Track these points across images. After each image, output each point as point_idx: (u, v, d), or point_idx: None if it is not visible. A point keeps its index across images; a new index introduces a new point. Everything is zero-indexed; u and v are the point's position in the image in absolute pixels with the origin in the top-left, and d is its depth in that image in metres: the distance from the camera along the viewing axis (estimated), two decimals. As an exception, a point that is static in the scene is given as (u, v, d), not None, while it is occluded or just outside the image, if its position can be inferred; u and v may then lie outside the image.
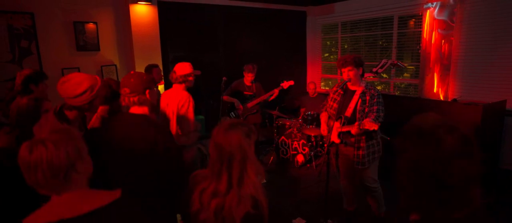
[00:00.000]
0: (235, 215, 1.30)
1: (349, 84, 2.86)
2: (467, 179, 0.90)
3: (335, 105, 2.94)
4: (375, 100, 2.73)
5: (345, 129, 2.76)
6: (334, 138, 2.85)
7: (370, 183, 2.93)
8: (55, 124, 1.79)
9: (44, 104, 2.20)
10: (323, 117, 3.06)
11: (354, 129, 2.59)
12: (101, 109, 2.22)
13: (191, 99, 2.76)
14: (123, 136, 1.76)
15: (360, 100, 2.79)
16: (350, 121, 2.80)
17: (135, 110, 1.84)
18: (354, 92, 2.84)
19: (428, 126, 0.93)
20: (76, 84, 1.76)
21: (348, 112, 2.83)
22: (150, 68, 3.91)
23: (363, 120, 2.65)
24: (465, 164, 0.89)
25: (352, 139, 2.81)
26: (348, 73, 2.77)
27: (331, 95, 3.02)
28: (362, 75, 2.83)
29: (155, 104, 1.97)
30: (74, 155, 1.03)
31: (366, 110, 2.74)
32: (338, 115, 2.87)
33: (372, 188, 2.95)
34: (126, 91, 1.80)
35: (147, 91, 1.83)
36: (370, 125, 2.44)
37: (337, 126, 2.85)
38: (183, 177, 1.65)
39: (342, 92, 2.90)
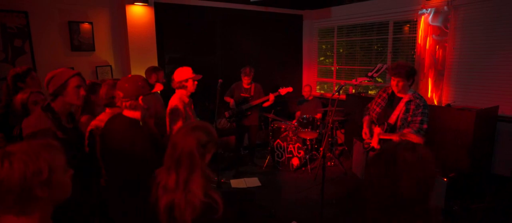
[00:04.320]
0: (186, 218, 1.33)
1: (396, 91, 2.82)
2: (424, 192, 1.04)
3: (378, 110, 2.92)
4: (419, 110, 2.66)
5: (386, 136, 2.73)
6: (375, 144, 2.82)
7: None
8: (40, 117, 1.83)
9: (31, 96, 2.23)
10: (366, 121, 3.02)
11: (395, 137, 2.56)
12: (107, 109, 2.24)
13: (179, 108, 2.75)
14: (112, 137, 1.84)
15: (404, 108, 2.75)
16: (392, 128, 2.77)
17: (127, 113, 1.89)
18: (400, 99, 2.80)
19: (389, 148, 1.09)
20: (52, 72, 1.90)
21: (392, 119, 2.80)
22: (157, 70, 3.84)
23: (403, 128, 2.64)
24: (419, 176, 1.01)
25: None
26: (397, 83, 2.72)
27: (376, 99, 3.01)
28: (411, 85, 2.77)
29: (151, 108, 1.97)
30: (34, 179, 0.91)
31: (409, 119, 2.70)
32: (381, 121, 2.85)
33: None
34: (120, 95, 1.86)
35: (140, 98, 1.84)
36: (413, 137, 2.38)
37: (378, 132, 2.82)
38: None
39: (386, 97, 2.89)
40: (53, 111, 1.89)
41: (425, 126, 2.63)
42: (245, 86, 4.62)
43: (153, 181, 1.47)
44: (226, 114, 4.61)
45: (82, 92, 1.97)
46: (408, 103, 2.74)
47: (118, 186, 1.78)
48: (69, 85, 1.91)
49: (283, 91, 4.55)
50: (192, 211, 1.33)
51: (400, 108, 2.78)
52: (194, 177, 1.36)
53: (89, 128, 2.15)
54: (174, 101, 2.80)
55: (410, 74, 2.69)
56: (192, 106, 3.00)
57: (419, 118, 2.64)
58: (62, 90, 1.89)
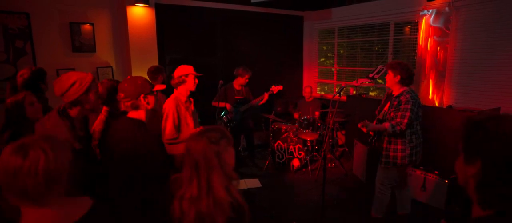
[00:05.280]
0: (216, 221, 1.31)
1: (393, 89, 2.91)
2: None
3: (378, 107, 3.02)
4: (401, 106, 2.69)
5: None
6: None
7: (378, 182, 2.97)
8: (57, 121, 1.80)
9: (27, 98, 2.19)
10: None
11: (359, 124, 2.71)
12: (104, 110, 2.21)
13: (171, 108, 2.66)
14: (116, 139, 1.82)
15: (390, 104, 2.83)
16: (380, 122, 2.88)
17: (132, 114, 1.86)
18: (391, 96, 2.88)
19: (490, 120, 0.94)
20: (65, 79, 1.80)
21: (381, 114, 2.90)
22: (159, 70, 3.83)
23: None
24: None
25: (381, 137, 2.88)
26: (387, 76, 2.83)
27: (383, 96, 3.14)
28: (403, 82, 2.77)
29: (154, 108, 1.95)
30: (67, 165, 0.99)
31: (392, 115, 2.75)
32: (378, 116, 2.98)
33: (375, 186, 2.97)
34: (121, 96, 1.85)
35: (141, 96, 1.83)
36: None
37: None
38: (161, 181, 1.71)
39: (386, 95, 3.01)
40: (71, 119, 1.84)
41: (405, 120, 2.64)
42: (237, 88, 4.60)
43: (167, 191, 1.43)
44: (225, 119, 4.55)
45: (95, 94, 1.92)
46: (393, 99, 2.80)
47: (125, 186, 1.78)
48: (90, 92, 1.84)
49: (275, 89, 4.60)
50: (222, 213, 1.32)
51: (388, 104, 2.86)
52: (214, 177, 1.34)
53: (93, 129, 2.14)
54: (168, 101, 2.74)
55: (397, 68, 2.74)
56: (192, 107, 2.92)
57: (400, 113, 2.68)
58: (85, 98, 1.83)
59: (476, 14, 4.12)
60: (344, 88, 3.06)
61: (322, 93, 6.63)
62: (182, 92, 2.78)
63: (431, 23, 4.45)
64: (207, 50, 5.40)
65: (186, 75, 2.73)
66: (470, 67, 4.25)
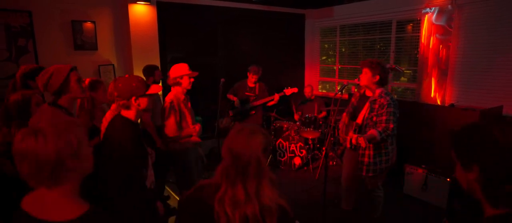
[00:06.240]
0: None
1: (366, 89, 2.80)
2: None
3: (350, 109, 2.91)
4: (384, 109, 2.57)
5: (353, 141, 2.73)
6: (347, 143, 2.77)
7: (371, 187, 2.93)
8: (55, 114, 1.86)
9: (33, 98, 2.22)
10: (343, 118, 2.98)
11: (359, 141, 2.50)
12: (113, 106, 2.25)
13: (172, 105, 2.72)
14: (107, 136, 1.89)
15: (369, 108, 2.71)
16: (361, 128, 2.76)
17: (124, 112, 1.93)
18: (367, 98, 2.78)
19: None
20: (44, 73, 1.90)
21: (359, 119, 2.78)
22: (152, 69, 3.87)
23: (369, 129, 2.62)
24: None
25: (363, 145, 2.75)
26: (363, 75, 2.71)
27: (352, 98, 3.00)
28: (380, 83, 2.68)
29: (147, 108, 1.96)
30: (66, 151, 0.98)
31: (374, 119, 2.64)
32: (351, 121, 2.85)
33: (372, 192, 2.95)
34: (114, 94, 1.87)
35: (132, 98, 1.86)
36: (362, 141, 2.41)
37: (351, 135, 2.79)
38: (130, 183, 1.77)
39: (358, 96, 2.89)
40: (63, 108, 1.92)
41: (391, 125, 2.53)
42: (250, 85, 4.59)
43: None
44: (230, 113, 4.57)
45: (84, 84, 2.00)
46: (372, 102, 2.68)
47: (113, 184, 1.80)
48: (71, 81, 1.93)
49: (288, 91, 4.53)
50: (271, 217, 1.25)
51: (365, 108, 2.74)
52: (264, 183, 1.27)
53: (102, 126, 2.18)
54: (168, 98, 2.79)
55: (375, 67, 2.63)
56: (189, 104, 2.98)
57: (384, 118, 2.56)
58: (66, 87, 1.91)
59: (478, 12, 4.10)
60: (346, 87, 3.03)
61: (324, 91, 6.62)
62: (179, 91, 2.83)
63: (434, 21, 4.44)
64: (208, 48, 5.40)
65: (181, 77, 2.77)
66: (473, 65, 4.23)
